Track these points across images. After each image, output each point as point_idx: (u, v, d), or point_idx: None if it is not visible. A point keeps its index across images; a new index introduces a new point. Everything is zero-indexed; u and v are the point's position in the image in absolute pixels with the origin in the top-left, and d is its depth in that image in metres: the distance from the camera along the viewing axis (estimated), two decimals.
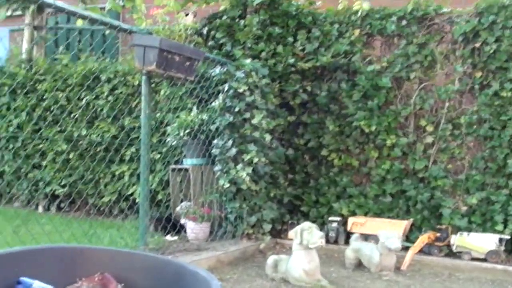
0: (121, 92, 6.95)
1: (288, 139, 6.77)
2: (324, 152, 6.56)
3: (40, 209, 7.68)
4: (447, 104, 5.98)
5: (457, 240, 5.41)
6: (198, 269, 2.18)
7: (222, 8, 6.70)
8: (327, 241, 5.76)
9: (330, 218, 6.14)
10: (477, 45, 5.82)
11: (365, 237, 5.60)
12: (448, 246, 5.56)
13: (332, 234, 6.02)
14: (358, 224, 5.82)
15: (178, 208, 5.92)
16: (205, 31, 6.62)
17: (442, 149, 5.99)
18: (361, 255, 5.13)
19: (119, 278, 2.39)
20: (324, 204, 6.47)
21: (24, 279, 2.08)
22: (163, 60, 4.59)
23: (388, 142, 6.13)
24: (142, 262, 2.45)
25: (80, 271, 2.38)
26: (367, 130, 6.18)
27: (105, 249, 2.65)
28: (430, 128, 6.03)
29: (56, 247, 2.48)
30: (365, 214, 6.16)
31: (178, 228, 5.69)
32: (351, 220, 5.90)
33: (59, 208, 7.37)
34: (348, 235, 5.74)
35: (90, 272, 2.39)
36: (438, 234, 5.58)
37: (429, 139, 6.04)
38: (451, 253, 5.52)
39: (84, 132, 7.17)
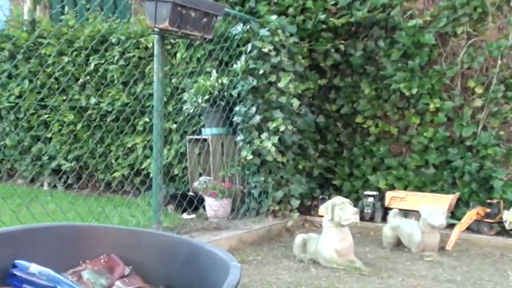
0: (133, 56, 6.92)
1: (318, 104, 6.72)
2: (359, 119, 6.50)
3: (45, 186, 7.73)
4: (499, 62, 5.85)
5: (510, 216, 5.33)
6: (215, 249, 2.17)
7: None
8: (362, 218, 5.76)
9: (366, 193, 6.09)
10: None
11: (405, 213, 5.55)
12: (500, 223, 5.47)
13: (367, 210, 5.98)
14: (397, 198, 5.76)
15: (196, 183, 5.92)
16: None
17: (493, 114, 5.88)
18: (401, 233, 5.09)
19: (127, 260, 2.39)
20: (359, 177, 6.43)
21: (20, 262, 2.07)
22: (177, 17, 4.52)
23: (432, 107, 6.04)
24: (153, 242, 2.44)
25: (84, 252, 2.38)
26: (407, 94, 6.09)
27: (111, 227, 2.65)
28: (479, 90, 5.91)
29: (56, 226, 2.47)
30: (405, 188, 6.11)
31: (195, 205, 5.69)
32: (389, 194, 5.86)
33: (66, 185, 7.41)
34: (386, 211, 5.69)
35: (95, 254, 2.39)
36: (488, 210, 5.50)
37: (478, 103, 5.93)
38: (503, 231, 5.45)
39: (92, 101, 7.17)
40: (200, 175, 6.19)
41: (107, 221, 4.86)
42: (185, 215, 5.61)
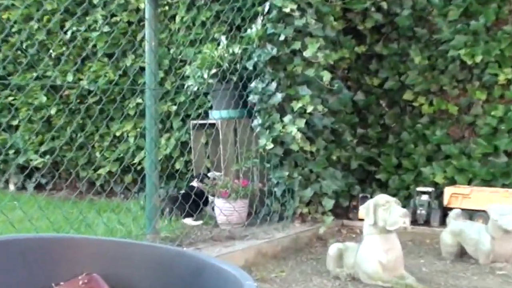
0: (120, 20, 6.91)
1: (356, 78, 6.69)
2: (408, 96, 6.45)
3: (11, 187, 7.75)
4: None
5: None
6: (225, 265, 2.13)
7: None
8: (415, 221, 5.72)
9: (419, 189, 6.05)
10: None
11: (470, 215, 5.51)
12: None
13: (421, 211, 5.93)
14: (459, 196, 5.72)
15: (198, 183, 5.89)
16: None
17: None
18: (464, 240, 5.04)
19: (113, 280, 2.36)
20: (410, 169, 6.39)
21: None
22: None
23: (501, 78, 5.99)
24: (146, 256, 2.41)
25: (57, 271, 2.35)
26: (469, 62, 6.04)
27: (93, 239, 2.62)
28: None
29: (21, 238, 2.44)
30: (469, 182, 6.07)
31: (201, 208, 5.67)
32: (448, 190, 5.81)
33: (37, 186, 7.41)
34: (445, 212, 5.64)
35: (72, 273, 2.36)
36: None
37: None
38: None
39: (70, 78, 7.17)
40: (208, 170, 6.18)
41: (88, 231, 4.84)
42: (188, 221, 5.60)
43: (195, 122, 6.17)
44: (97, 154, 7.06)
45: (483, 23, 5.99)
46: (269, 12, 5.77)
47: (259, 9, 5.90)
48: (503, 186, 5.90)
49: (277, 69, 5.75)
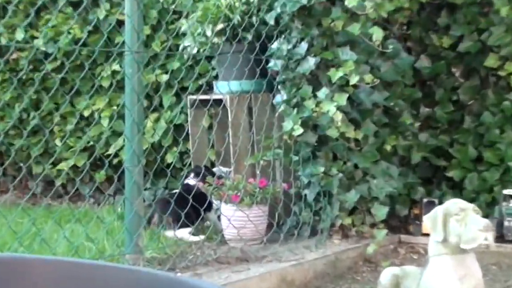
0: None
1: (419, 37, 6.65)
2: (491, 61, 6.40)
3: None
4: None
5: None
6: None
7: None
8: (501, 237, 5.71)
9: (506, 192, 6.03)
10: None
11: None
12: None
13: (510, 223, 5.92)
14: None
15: (198, 181, 5.89)
16: None
17: None
18: None
19: None
20: (494, 164, 6.36)
21: None
22: None
23: None
24: (125, 284, 2.39)
25: None
26: None
27: (51, 259, 2.60)
28: None
29: None
30: None
31: (202, 217, 5.66)
32: None
33: None
34: None
35: None
36: None
37: None
38: None
39: (21, 36, 7.18)
40: (212, 165, 6.17)
41: (45, 249, 4.84)
42: (184, 234, 5.60)
43: (194, 97, 6.17)
44: (57, 142, 7.07)
45: None
46: None
47: None
48: None
49: (309, 24, 5.75)
